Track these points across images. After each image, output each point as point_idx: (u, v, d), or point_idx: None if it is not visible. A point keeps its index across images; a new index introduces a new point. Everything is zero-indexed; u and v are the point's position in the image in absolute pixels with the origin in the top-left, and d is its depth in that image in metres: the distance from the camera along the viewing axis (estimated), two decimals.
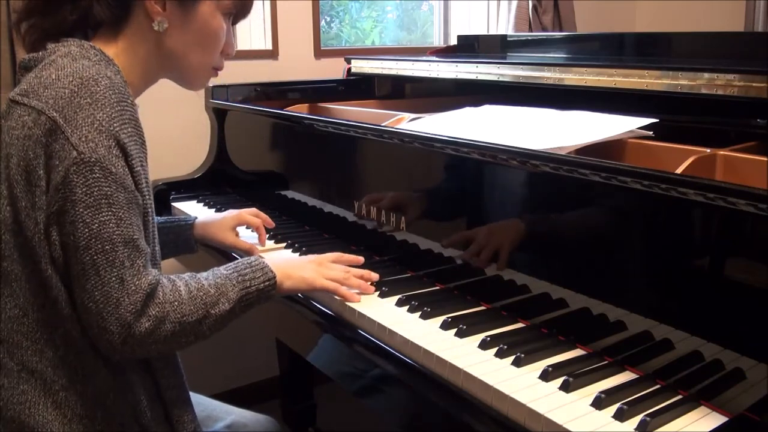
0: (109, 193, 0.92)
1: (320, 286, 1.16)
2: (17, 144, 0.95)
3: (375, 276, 1.22)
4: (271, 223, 1.48)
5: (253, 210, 1.47)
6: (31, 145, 0.93)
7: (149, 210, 1.01)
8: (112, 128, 0.93)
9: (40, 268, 0.95)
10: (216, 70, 1.15)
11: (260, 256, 1.16)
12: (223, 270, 1.06)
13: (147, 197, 1.00)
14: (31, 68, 1.02)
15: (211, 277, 1.04)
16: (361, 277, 1.20)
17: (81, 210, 0.91)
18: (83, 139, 0.91)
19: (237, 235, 1.44)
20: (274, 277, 1.09)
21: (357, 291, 1.19)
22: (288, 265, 1.15)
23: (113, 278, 0.92)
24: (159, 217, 1.35)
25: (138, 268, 0.94)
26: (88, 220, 0.91)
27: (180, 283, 1.00)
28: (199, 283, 1.01)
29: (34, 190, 0.94)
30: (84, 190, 0.91)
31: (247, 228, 1.50)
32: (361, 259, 1.26)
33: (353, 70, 2.13)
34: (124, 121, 0.95)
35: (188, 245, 1.41)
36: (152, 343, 0.96)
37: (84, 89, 0.93)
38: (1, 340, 0.98)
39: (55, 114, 0.92)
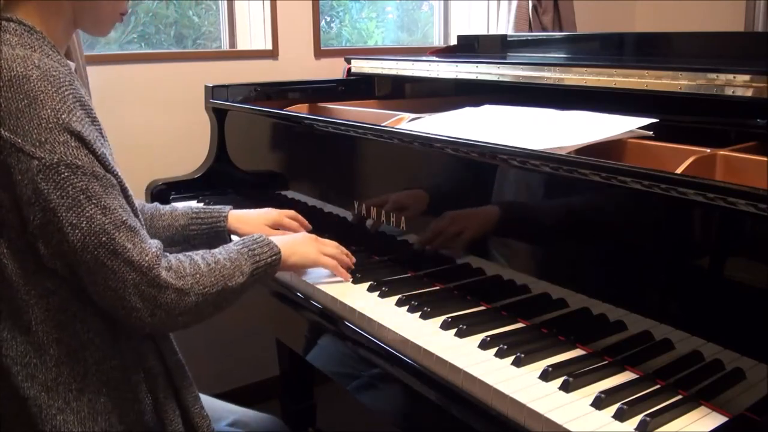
0: (83, 187, 0.91)
1: (322, 263, 1.24)
2: None
3: (352, 260, 1.30)
4: (308, 226, 1.43)
5: (292, 213, 1.42)
6: None
7: (125, 185, 1.00)
8: (60, 121, 0.90)
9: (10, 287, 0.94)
10: (122, 15, 1.10)
11: (263, 234, 1.19)
12: (233, 246, 1.11)
13: (118, 174, 0.98)
14: None
15: (224, 252, 1.08)
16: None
17: (63, 214, 0.90)
18: (36, 144, 0.88)
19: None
20: (279, 252, 1.15)
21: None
22: (290, 241, 1.21)
23: (122, 264, 0.93)
24: (193, 205, 1.40)
25: (140, 245, 0.95)
26: (74, 221, 0.90)
27: (197, 258, 1.04)
28: (215, 258, 1.05)
29: None
30: (58, 194, 0.89)
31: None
32: (352, 260, 1.31)
33: (353, 70, 2.13)
34: (69, 107, 0.92)
35: (221, 238, 1.36)
36: (179, 315, 0.98)
37: (17, 91, 0.89)
38: None
39: None
